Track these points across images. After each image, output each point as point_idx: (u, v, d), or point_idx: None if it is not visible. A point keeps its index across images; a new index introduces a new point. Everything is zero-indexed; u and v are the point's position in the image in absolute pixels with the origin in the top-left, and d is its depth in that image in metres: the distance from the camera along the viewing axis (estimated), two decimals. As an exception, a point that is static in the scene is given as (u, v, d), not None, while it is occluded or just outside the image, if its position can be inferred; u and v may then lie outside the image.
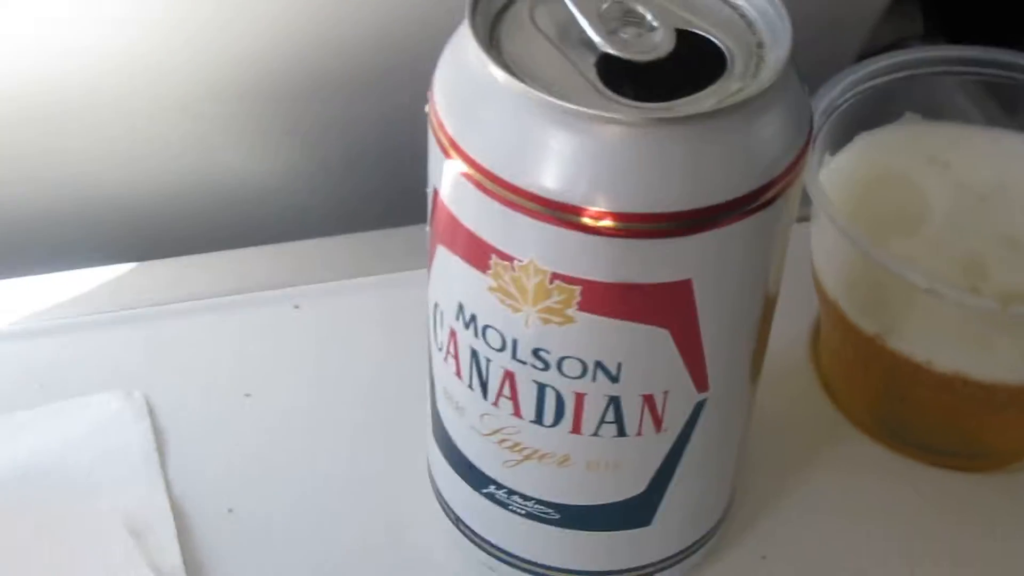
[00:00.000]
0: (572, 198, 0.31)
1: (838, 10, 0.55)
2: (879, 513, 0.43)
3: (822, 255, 0.44)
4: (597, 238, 0.31)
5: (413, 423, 0.41)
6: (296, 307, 0.49)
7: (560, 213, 0.31)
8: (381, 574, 0.41)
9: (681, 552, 0.40)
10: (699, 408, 0.35)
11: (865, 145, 0.46)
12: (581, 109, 0.30)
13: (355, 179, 0.53)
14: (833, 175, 0.45)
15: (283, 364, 0.47)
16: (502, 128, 0.31)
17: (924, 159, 0.46)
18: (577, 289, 0.32)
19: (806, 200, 0.43)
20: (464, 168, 0.32)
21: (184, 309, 0.48)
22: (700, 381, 0.35)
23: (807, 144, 0.33)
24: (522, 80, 0.31)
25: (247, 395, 0.46)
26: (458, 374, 0.36)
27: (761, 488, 0.44)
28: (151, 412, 0.45)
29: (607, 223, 0.31)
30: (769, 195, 0.32)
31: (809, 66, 0.46)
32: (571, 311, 0.33)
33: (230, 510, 0.42)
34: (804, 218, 0.45)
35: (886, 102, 0.46)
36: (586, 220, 0.31)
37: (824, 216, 0.42)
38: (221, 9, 0.47)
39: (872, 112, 0.46)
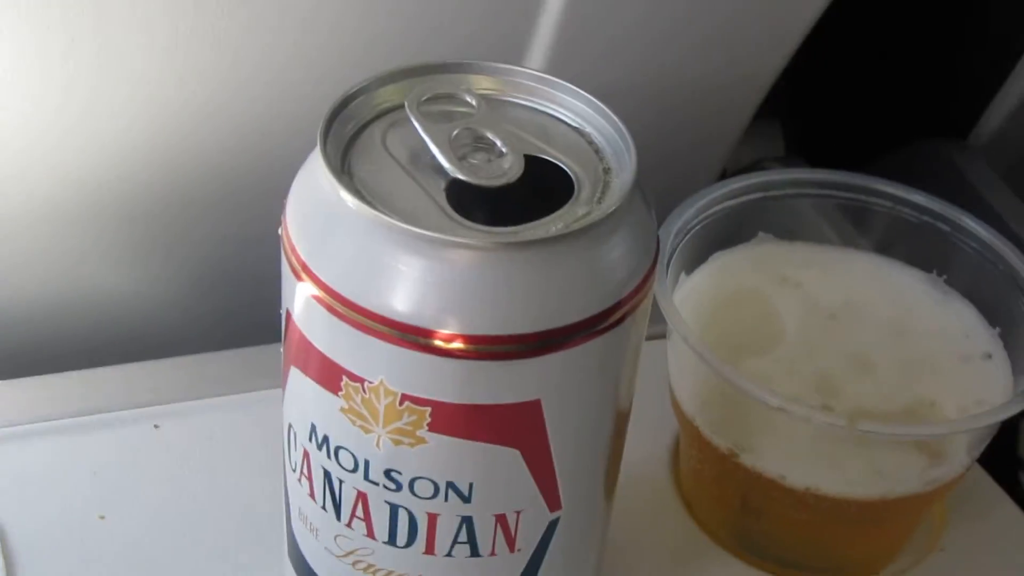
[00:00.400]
0: (422, 321, 0.31)
1: (698, 132, 0.57)
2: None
3: (677, 373, 0.45)
4: (446, 360, 0.32)
5: (270, 544, 0.41)
6: (156, 427, 0.48)
7: (410, 336, 0.31)
8: None
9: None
10: (552, 527, 0.36)
11: (720, 264, 0.47)
12: (430, 234, 0.31)
13: (217, 297, 0.53)
14: (688, 294, 0.46)
15: (140, 484, 0.46)
16: (353, 252, 0.32)
17: (776, 278, 0.47)
18: (427, 410, 0.32)
19: (663, 318, 0.43)
20: (315, 291, 0.32)
21: (39, 430, 0.47)
22: (552, 500, 0.35)
23: (653, 266, 0.34)
24: (372, 205, 0.31)
25: (101, 517, 0.45)
26: (311, 495, 0.36)
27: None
28: (2, 536, 0.44)
29: (456, 345, 0.31)
30: (616, 316, 0.33)
31: (669, 185, 0.47)
32: (422, 432, 0.33)
33: (82, 637, 0.41)
34: (661, 335, 0.46)
35: (741, 223, 0.48)
36: (436, 342, 0.31)
37: (677, 335, 0.43)
38: (85, 130, 0.47)
39: (727, 232, 0.47)
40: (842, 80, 0.67)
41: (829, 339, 0.46)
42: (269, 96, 0.47)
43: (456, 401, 0.32)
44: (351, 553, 0.36)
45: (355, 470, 0.34)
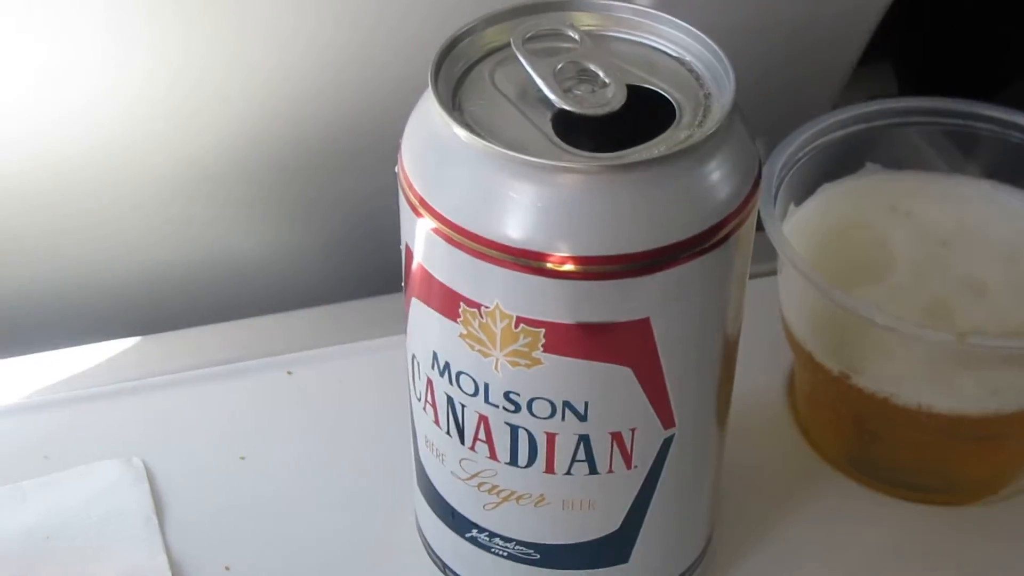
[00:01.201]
0: (534, 245, 0.33)
1: (805, 68, 0.57)
2: (856, 550, 0.44)
3: (788, 301, 0.46)
4: (558, 281, 0.33)
5: (403, 481, 0.43)
6: (289, 373, 0.50)
7: (523, 260, 0.33)
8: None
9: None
10: (667, 445, 0.37)
11: (828, 196, 0.48)
12: (539, 160, 0.32)
13: (345, 250, 0.55)
14: (797, 225, 0.47)
15: (277, 427, 0.48)
16: (467, 184, 0.33)
17: (886, 208, 0.48)
18: (541, 332, 0.34)
19: (773, 255, 0.45)
20: (432, 223, 0.34)
21: (181, 379, 0.50)
22: (666, 418, 0.36)
23: (755, 187, 0.35)
24: (483, 137, 0.33)
25: (242, 458, 0.47)
26: (436, 421, 0.38)
27: (739, 530, 0.45)
28: (150, 477, 0.46)
29: (567, 267, 0.33)
30: (720, 235, 0.34)
31: (778, 125, 0.48)
32: (537, 353, 0.34)
33: (227, 568, 0.44)
34: (772, 272, 0.47)
35: (847, 154, 0.48)
36: (548, 265, 0.33)
37: (788, 263, 0.44)
38: (215, 92, 0.50)
39: (834, 163, 0.48)
40: (956, 16, 0.67)
41: (941, 266, 0.46)
42: (388, 51, 0.49)
43: (568, 321, 0.34)
44: (475, 475, 0.38)
45: (476, 394, 0.36)
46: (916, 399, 0.42)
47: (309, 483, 0.46)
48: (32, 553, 0.44)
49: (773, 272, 0.47)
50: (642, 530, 0.39)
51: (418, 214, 0.34)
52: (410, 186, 0.35)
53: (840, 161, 0.48)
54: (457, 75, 0.35)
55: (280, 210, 0.54)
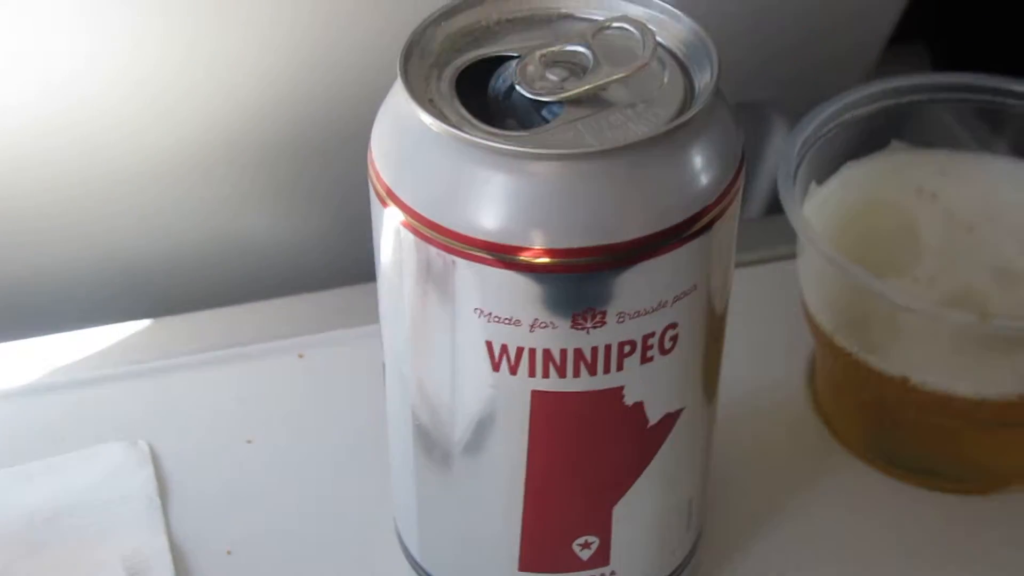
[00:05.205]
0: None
1: (834, 45, 0.56)
2: (875, 538, 0.43)
3: (809, 284, 0.45)
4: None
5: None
6: (300, 356, 0.50)
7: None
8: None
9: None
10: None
11: (851, 175, 0.47)
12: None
13: (357, 233, 0.54)
14: (819, 204, 0.46)
15: (286, 411, 0.48)
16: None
17: (911, 189, 0.46)
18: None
19: (792, 237, 0.43)
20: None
21: (190, 362, 0.49)
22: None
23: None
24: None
25: (249, 441, 0.46)
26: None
27: (757, 515, 0.44)
28: (155, 460, 0.46)
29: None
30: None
31: (807, 103, 0.47)
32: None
33: (229, 552, 0.43)
34: (792, 255, 0.46)
35: (873, 131, 0.47)
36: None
37: (807, 243, 0.42)
38: (230, 74, 0.49)
39: (858, 141, 0.47)
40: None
41: (968, 253, 0.45)
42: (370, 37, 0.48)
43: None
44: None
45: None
46: (937, 383, 0.41)
47: (316, 468, 0.46)
48: (35, 534, 0.43)
49: (794, 255, 0.46)
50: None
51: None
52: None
53: (865, 139, 0.47)
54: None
55: (292, 193, 0.54)
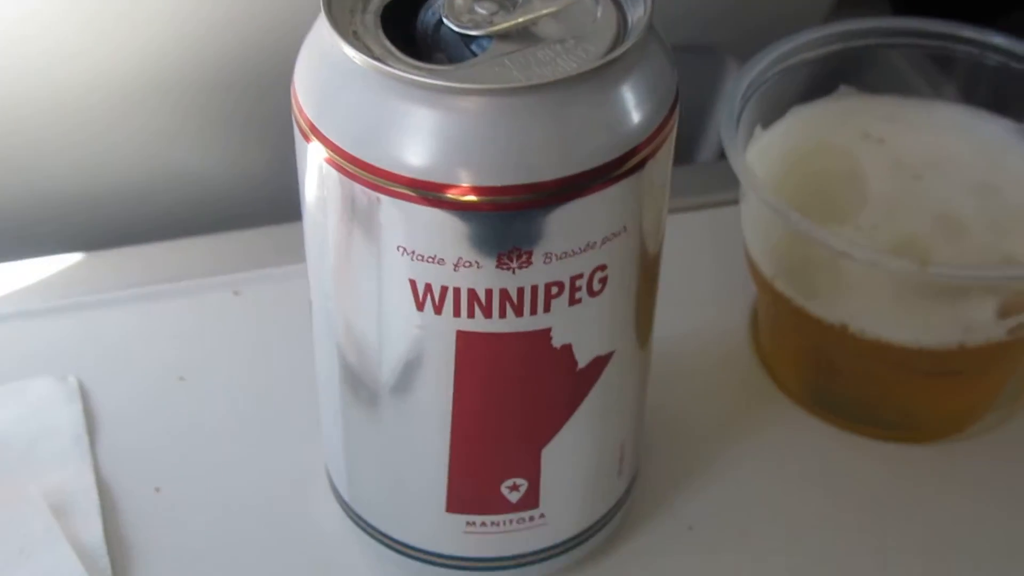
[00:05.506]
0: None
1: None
2: (813, 486, 0.43)
3: (750, 229, 0.44)
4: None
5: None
6: (236, 293, 0.49)
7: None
8: (305, 554, 0.41)
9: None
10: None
11: (798, 119, 0.46)
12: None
13: (291, 170, 0.53)
14: (765, 149, 0.45)
15: (220, 349, 0.47)
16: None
17: (858, 134, 0.46)
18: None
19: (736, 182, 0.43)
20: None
21: (124, 297, 0.48)
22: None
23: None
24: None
25: (181, 379, 0.46)
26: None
27: (694, 462, 0.43)
28: (84, 396, 0.45)
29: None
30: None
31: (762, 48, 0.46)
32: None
33: (157, 490, 0.42)
34: (735, 200, 0.45)
35: (821, 75, 0.46)
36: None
37: (747, 188, 0.42)
38: (159, 5, 0.48)
39: (807, 85, 0.46)
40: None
41: (914, 200, 0.44)
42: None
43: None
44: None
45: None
46: (876, 330, 0.40)
47: (249, 407, 0.45)
48: (-40, 469, 0.42)
49: (735, 201, 0.45)
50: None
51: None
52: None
53: (813, 83, 0.46)
54: None
55: (227, 128, 0.53)
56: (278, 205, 0.52)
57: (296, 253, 0.49)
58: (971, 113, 0.46)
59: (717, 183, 0.52)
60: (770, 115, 0.45)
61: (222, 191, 0.54)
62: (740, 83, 0.43)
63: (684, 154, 0.60)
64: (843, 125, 0.46)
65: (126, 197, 0.53)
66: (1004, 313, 0.40)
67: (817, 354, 0.44)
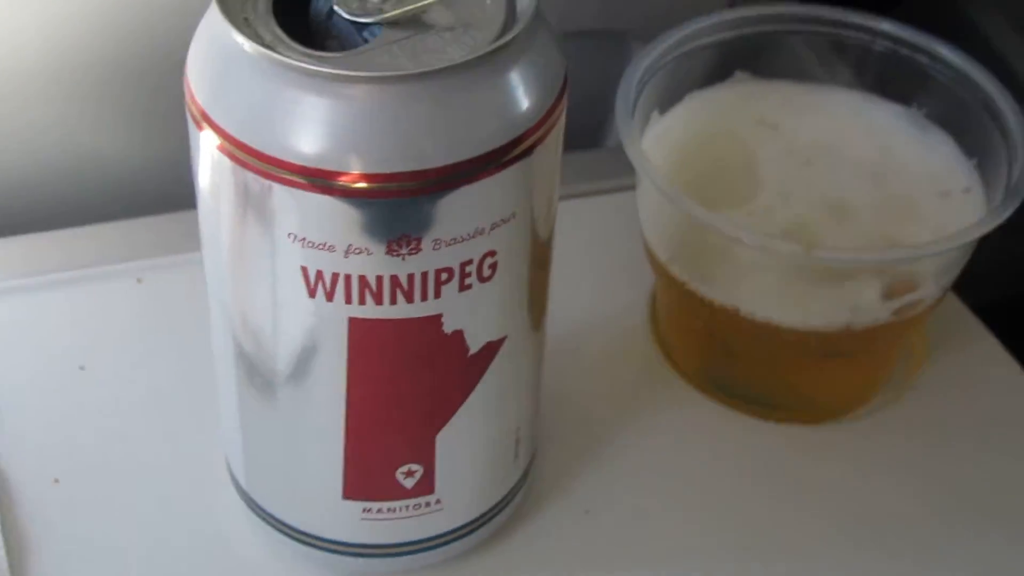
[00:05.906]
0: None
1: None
2: (709, 468, 0.43)
3: (646, 214, 0.45)
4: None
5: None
6: (139, 281, 0.48)
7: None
8: (204, 544, 0.41)
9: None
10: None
11: (694, 105, 0.46)
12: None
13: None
14: (662, 134, 0.45)
15: (122, 337, 0.47)
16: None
17: (753, 119, 0.46)
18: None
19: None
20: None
21: (24, 285, 0.48)
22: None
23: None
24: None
25: (81, 367, 0.45)
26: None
27: (592, 446, 0.44)
28: (-18, 386, 0.45)
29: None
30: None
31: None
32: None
33: (56, 481, 0.42)
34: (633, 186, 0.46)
35: (718, 61, 0.47)
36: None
37: (643, 175, 0.42)
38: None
39: (703, 71, 0.47)
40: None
41: (806, 185, 0.45)
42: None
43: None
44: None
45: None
46: (765, 313, 0.41)
47: (150, 397, 0.45)
48: None
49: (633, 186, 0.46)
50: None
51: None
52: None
53: (712, 69, 0.47)
54: None
55: (130, 114, 0.52)
56: (182, 192, 0.52)
57: (198, 240, 0.49)
58: (862, 98, 0.47)
59: (619, 169, 0.52)
60: (667, 101, 0.46)
61: (125, 178, 0.54)
62: (636, 68, 0.44)
63: (590, 139, 0.60)
64: (738, 111, 0.47)
65: (27, 184, 0.53)
66: (889, 295, 0.41)
67: (712, 338, 0.44)
